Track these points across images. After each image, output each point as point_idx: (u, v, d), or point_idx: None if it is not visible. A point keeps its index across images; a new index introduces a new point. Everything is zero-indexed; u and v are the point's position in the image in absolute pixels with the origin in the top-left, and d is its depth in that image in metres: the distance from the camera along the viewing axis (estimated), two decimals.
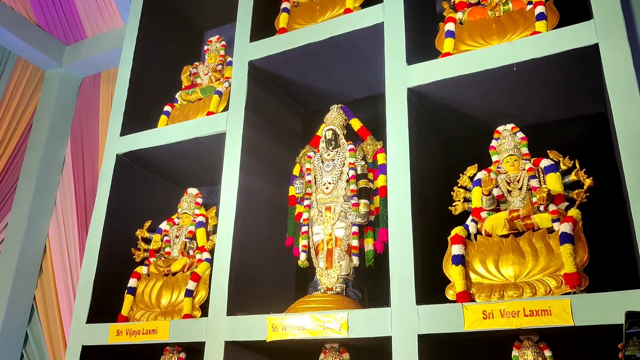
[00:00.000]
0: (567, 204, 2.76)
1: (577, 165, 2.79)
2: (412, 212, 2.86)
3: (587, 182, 2.73)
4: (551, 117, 3.34)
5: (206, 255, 3.61)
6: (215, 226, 3.60)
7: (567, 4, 3.01)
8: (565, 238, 2.53)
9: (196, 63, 4.41)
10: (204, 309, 3.32)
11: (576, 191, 2.75)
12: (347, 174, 3.31)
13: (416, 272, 2.74)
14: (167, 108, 4.19)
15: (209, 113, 3.85)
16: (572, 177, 2.79)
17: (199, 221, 3.78)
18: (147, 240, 3.95)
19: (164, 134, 3.95)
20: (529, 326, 2.39)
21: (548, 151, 2.91)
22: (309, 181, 3.42)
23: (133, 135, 4.08)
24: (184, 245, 3.74)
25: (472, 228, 2.89)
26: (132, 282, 3.73)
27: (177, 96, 4.27)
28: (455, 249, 2.78)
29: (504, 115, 3.21)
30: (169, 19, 4.80)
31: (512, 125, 3.06)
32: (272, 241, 3.57)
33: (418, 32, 3.36)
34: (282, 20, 3.77)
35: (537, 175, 2.87)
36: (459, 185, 3.07)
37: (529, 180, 2.86)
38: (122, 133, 4.12)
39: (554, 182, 2.78)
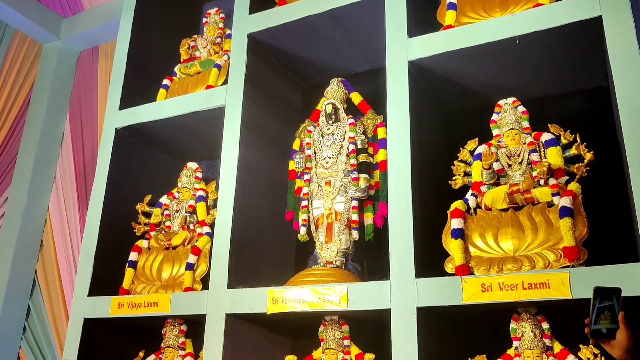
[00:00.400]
0: (567, 178, 2.76)
1: (578, 139, 2.78)
2: (412, 186, 2.86)
3: (588, 156, 2.72)
4: (553, 91, 3.32)
5: (206, 229, 3.63)
6: (215, 200, 3.61)
7: None
8: (564, 212, 2.53)
9: (195, 36, 4.36)
10: (205, 282, 3.35)
11: (576, 165, 2.75)
12: (347, 148, 3.30)
13: (415, 245, 2.76)
14: (165, 82, 4.16)
15: (208, 87, 3.83)
16: (573, 151, 2.78)
17: (199, 195, 3.78)
18: (148, 214, 3.96)
19: (163, 107, 3.93)
20: (527, 299, 2.41)
21: (549, 125, 2.90)
22: (309, 155, 3.42)
23: (132, 109, 4.06)
24: (184, 219, 3.75)
25: (472, 202, 2.90)
26: (132, 256, 3.75)
27: (175, 69, 4.24)
28: (455, 223, 2.79)
29: (505, 89, 3.18)
30: None
31: (513, 99, 3.04)
32: (272, 215, 3.58)
33: (419, 4, 3.32)
34: None
35: (537, 149, 2.86)
36: (459, 159, 3.07)
37: (529, 154, 2.85)
38: (121, 107, 4.10)
39: (554, 156, 2.78)
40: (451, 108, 3.60)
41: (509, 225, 2.71)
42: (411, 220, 2.79)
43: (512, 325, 2.64)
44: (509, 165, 2.90)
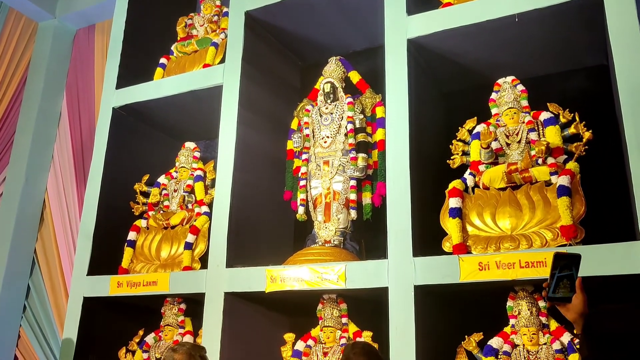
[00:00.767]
0: (565, 157, 2.75)
1: (577, 118, 2.77)
2: (411, 165, 2.86)
3: (587, 135, 2.71)
4: (552, 70, 3.30)
5: (205, 208, 3.63)
6: (214, 180, 3.60)
7: None
8: (562, 191, 2.54)
9: (191, 14, 4.31)
10: (204, 261, 3.36)
11: (575, 144, 2.74)
12: (346, 127, 3.28)
13: (413, 225, 2.76)
14: (162, 60, 4.13)
15: (205, 65, 3.80)
16: (572, 130, 2.78)
17: (197, 175, 3.78)
18: (146, 194, 3.96)
19: (160, 86, 3.91)
20: (524, 277, 2.42)
21: (548, 104, 2.88)
22: (307, 135, 3.40)
23: (129, 88, 4.03)
24: (183, 199, 3.75)
25: (470, 181, 2.90)
26: (131, 235, 3.76)
27: (172, 48, 4.20)
28: (453, 202, 2.79)
29: (504, 68, 3.16)
30: None
31: (512, 77, 3.02)
32: (271, 195, 3.58)
33: None
34: None
35: (536, 128, 2.85)
36: (457, 138, 3.06)
37: (528, 133, 2.84)
38: (118, 86, 4.08)
39: (553, 135, 2.77)
40: (450, 87, 3.58)
41: (507, 204, 2.71)
42: (409, 200, 2.79)
43: (509, 303, 2.65)
44: (508, 145, 2.89)
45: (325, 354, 2.98)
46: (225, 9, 4.12)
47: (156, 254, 3.64)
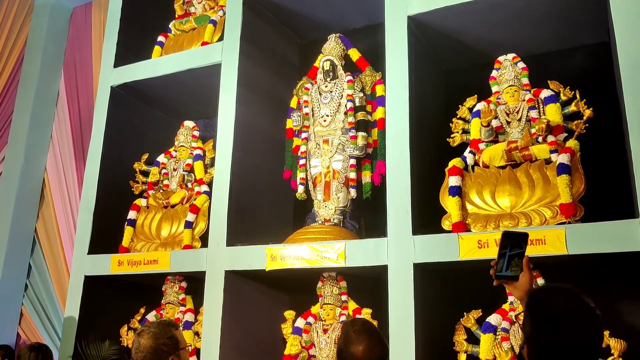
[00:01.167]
0: (565, 135, 2.75)
1: (578, 96, 2.76)
2: (410, 144, 2.86)
3: (587, 112, 2.71)
4: (553, 47, 3.27)
5: (204, 187, 3.63)
6: (213, 159, 3.60)
7: None
8: (562, 169, 2.53)
9: None
10: (204, 240, 3.37)
11: (575, 122, 2.74)
12: (345, 106, 3.27)
13: (413, 203, 2.77)
14: (160, 38, 4.09)
15: (204, 43, 3.76)
16: (572, 107, 2.77)
17: (197, 154, 3.78)
18: (145, 173, 3.96)
19: (158, 65, 3.88)
20: None
21: (549, 81, 2.87)
22: (307, 114, 3.39)
23: (127, 66, 4.00)
24: (182, 178, 3.75)
25: (470, 159, 2.89)
26: (131, 214, 3.77)
27: (170, 26, 4.16)
28: (453, 180, 2.79)
29: (505, 45, 3.13)
30: None
31: (513, 55, 3.00)
32: (270, 174, 3.58)
33: None
34: None
35: (536, 106, 2.84)
36: (457, 116, 3.05)
37: (528, 111, 2.83)
38: (116, 64, 4.05)
39: (553, 113, 2.76)
40: (450, 65, 3.55)
41: (507, 182, 2.72)
42: (409, 178, 2.79)
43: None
44: (508, 123, 2.88)
45: (325, 331, 3.02)
46: None
47: (156, 232, 3.65)
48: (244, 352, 3.17)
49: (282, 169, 3.48)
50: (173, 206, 3.70)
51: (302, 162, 3.35)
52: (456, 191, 2.76)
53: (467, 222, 2.70)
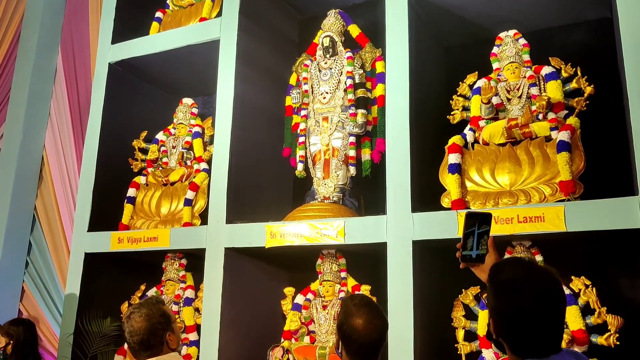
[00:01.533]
0: (566, 112, 2.73)
1: (579, 73, 2.74)
2: (410, 121, 2.84)
3: (588, 89, 2.69)
4: (555, 23, 3.24)
5: (204, 165, 3.63)
6: (212, 136, 3.59)
7: None
8: (562, 146, 2.53)
9: None
10: (203, 217, 3.37)
11: (576, 99, 2.72)
12: (345, 82, 3.24)
13: (412, 180, 2.76)
14: (158, 14, 4.04)
15: (202, 19, 3.72)
16: (573, 84, 2.75)
17: (196, 132, 3.76)
18: (144, 151, 3.95)
19: (156, 41, 3.84)
20: (522, 232, 2.44)
21: (550, 58, 2.84)
22: (306, 91, 3.37)
23: (125, 43, 3.96)
24: (181, 155, 3.74)
25: (470, 137, 2.88)
26: (131, 192, 3.77)
27: (168, 1, 4.11)
28: (452, 158, 2.79)
29: (506, 21, 3.10)
30: None
31: (514, 31, 2.97)
32: (270, 151, 3.57)
33: None
34: None
35: (537, 82, 2.82)
36: (458, 93, 3.03)
37: (529, 88, 2.82)
38: (114, 41, 4.01)
39: (554, 90, 2.74)
40: (451, 41, 3.52)
41: (506, 159, 2.71)
42: (408, 156, 2.79)
43: (507, 257, 2.68)
44: (508, 100, 2.87)
45: (324, 307, 3.04)
46: None
47: (156, 210, 3.66)
48: (244, 328, 3.20)
49: (281, 146, 3.47)
50: (172, 184, 3.70)
51: (301, 139, 3.34)
52: (456, 169, 2.75)
53: (466, 199, 2.70)
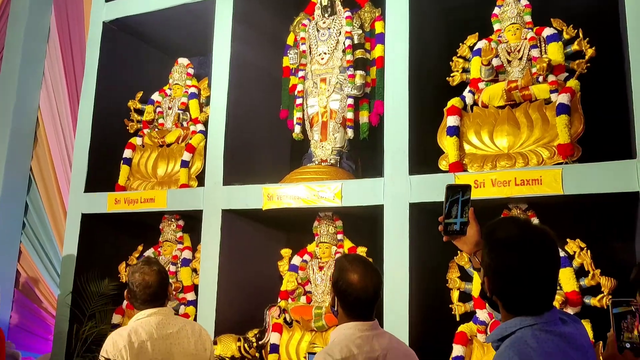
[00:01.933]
0: (566, 74, 2.70)
1: (580, 35, 2.70)
2: (409, 83, 2.81)
3: (589, 52, 2.65)
4: None
5: (200, 127, 3.60)
6: (208, 98, 3.55)
7: None
8: (561, 109, 2.51)
9: None
10: (200, 179, 3.37)
11: (577, 61, 2.69)
12: (344, 43, 3.19)
13: (410, 143, 2.75)
14: None
15: None
16: (575, 46, 2.71)
17: (192, 92, 3.72)
18: (140, 112, 3.91)
19: (150, 0, 3.76)
20: (519, 195, 2.45)
21: (552, 19, 2.80)
22: (304, 51, 3.32)
23: (119, 1, 3.88)
24: (177, 116, 3.71)
25: (469, 99, 2.86)
26: (127, 153, 3.75)
27: None
28: (451, 120, 2.77)
29: None
30: None
31: None
32: (267, 113, 3.54)
33: None
34: None
35: (538, 44, 2.78)
36: (458, 55, 2.99)
37: (529, 50, 2.78)
38: None
39: (555, 52, 2.71)
40: (452, 2, 3.44)
41: (505, 122, 2.69)
42: (407, 118, 2.77)
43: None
44: (509, 62, 2.83)
45: (320, 268, 3.06)
46: None
47: (153, 171, 3.65)
48: (241, 289, 3.24)
49: (279, 107, 3.44)
50: (169, 145, 3.68)
51: (299, 101, 3.31)
52: (454, 131, 2.74)
53: (464, 162, 2.69)
